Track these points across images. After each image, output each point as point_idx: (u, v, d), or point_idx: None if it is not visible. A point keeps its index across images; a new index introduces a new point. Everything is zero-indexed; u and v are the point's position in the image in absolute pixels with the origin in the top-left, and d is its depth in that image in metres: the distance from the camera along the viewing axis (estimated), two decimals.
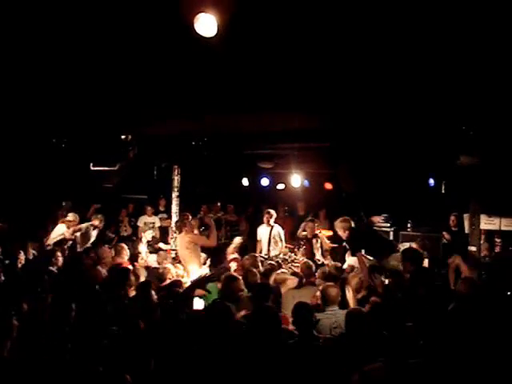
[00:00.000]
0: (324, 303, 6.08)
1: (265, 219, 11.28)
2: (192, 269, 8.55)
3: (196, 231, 9.67)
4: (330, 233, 10.75)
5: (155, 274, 7.96)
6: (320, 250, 10.42)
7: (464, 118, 7.70)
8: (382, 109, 7.79)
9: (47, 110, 8.41)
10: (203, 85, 7.26)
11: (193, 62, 6.58)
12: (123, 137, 9.64)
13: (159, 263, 9.17)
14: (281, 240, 11.24)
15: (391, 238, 11.02)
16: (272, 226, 11.25)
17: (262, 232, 11.34)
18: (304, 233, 10.85)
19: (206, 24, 5.25)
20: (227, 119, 8.47)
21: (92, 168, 10.14)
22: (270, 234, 11.19)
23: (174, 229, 10.98)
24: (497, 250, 10.07)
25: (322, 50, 6.17)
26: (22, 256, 8.56)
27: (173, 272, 7.98)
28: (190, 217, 9.69)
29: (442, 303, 5.87)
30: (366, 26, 5.65)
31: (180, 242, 9.23)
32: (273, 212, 11.33)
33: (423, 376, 3.92)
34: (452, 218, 10.94)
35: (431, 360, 4.03)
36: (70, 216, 10.56)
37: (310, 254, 10.28)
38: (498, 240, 10.13)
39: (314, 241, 10.47)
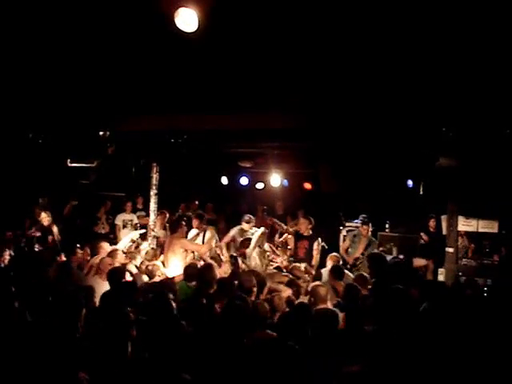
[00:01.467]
0: (315, 302, 6.09)
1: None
2: (171, 270, 8.34)
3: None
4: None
5: (143, 271, 7.86)
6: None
7: (443, 120, 7.73)
8: (362, 109, 7.80)
9: (24, 105, 8.30)
10: (183, 82, 7.21)
11: (173, 58, 6.53)
12: (101, 133, 9.54)
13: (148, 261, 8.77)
14: None
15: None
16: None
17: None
18: (291, 229, 10.85)
19: (187, 19, 5.21)
20: (206, 117, 8.43)
21: (69, 164, 10.03)
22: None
23: (152, 227, 10.88)
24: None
25: (302, 49, 6.16)
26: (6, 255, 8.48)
27: (162, 269, 7.91)
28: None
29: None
30: (346, 27, 5.65)
31: (169, 243, 9.01)
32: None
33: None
34: (431, 220, 11.03)
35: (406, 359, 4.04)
36: (43, 215, 10.44)
37: (305, 254, 10.19)
38: (486, 242, 10.20)
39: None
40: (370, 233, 10.59)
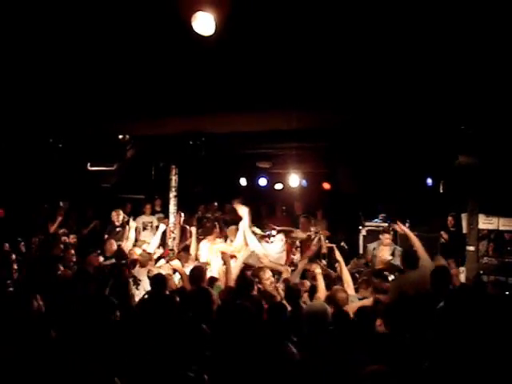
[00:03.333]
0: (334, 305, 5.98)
1: None
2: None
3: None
4: (328, 233, 10.66)
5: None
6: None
7: (463, 118, 7.69)
8: (381, 108, 7.78)
9: (44, 110, 8.38)
10: (201, 84, 7.24)
11: (191, 61, 6.56)
12: (121, 137, 9.62)
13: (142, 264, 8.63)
14: None
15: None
16: None
17: None
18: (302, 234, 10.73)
19: (204, 22, 5.24)
20: (225, 118, 8.45)
21: (89, 168, 10.12)
22: None
23: (171, 229, 10.94)
24: None
25: (320, 49, 6.15)
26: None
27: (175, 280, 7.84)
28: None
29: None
30: (362, 25, 5.64)
31: (204, 247, 8.87)
32: None
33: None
34: (450, 218, 10.94)
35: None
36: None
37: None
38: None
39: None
40: (391, 241, 10.01)
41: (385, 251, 9.93)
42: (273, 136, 9.46)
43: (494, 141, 7.78)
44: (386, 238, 10.05)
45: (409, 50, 6.07)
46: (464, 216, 10.03)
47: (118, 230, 11.28)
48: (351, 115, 8.05)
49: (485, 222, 9.79)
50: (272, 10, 5.39)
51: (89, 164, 10.03)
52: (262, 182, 13.39)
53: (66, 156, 10.11)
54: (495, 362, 4.30)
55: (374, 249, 10.16)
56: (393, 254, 9.83)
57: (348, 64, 6.51)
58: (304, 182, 13.00)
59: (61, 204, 11.81)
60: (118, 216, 11.27)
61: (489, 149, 7.91)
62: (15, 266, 7.85)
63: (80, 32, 6.06)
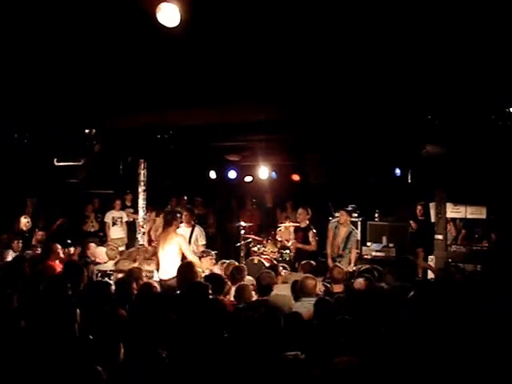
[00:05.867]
0: (301, 293, 6.18)
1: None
2: (165, 267, 8.00)
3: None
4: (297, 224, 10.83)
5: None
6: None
7: (429, 108, 7.75)
8: (348, 99, 7.80)
9: (8, 105, 8.23)
10: (167, 77, 7.18)
11: (156, 54, 6.49)
12: (87, 131, 9.48)
13: (111, 258, 8.57)
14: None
15: (359, 228, 11.07)
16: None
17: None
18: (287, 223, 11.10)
19: (169, 14, 5.18)
20: (192, 111, 8.40)
21: (56, 163, 9.96)
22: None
23: (141, 223, 10.87)
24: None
25: (286, 40, 6.14)
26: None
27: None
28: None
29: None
30: (330, 17, 5.64)
31: (163, 239, 8.34)
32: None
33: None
34: (418, 207, 11.05)
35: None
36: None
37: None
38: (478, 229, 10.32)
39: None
40: (349, 221, 10.32)
41: (342, 230, 10.21)
42: (242, 128, 9.43)
43: (459, 130, 7.85)
44: (342, 215, 10.26)
45: (375, 42, 6.10)
46: (432, 205, 10.14)
47: None
48: (319, 105, 8.06)
49: (453, 211, 9.93)
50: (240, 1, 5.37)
51: (55, 159, 9.86)
52: (232, 174, 13.36)
53: (32, 151, 9.94)
54: (464, 347, 4.36)
55: (336, 227, 10.31)
56: (348, 238, 10.13)
57: (315, 54, 6.51)
58: (274, 174, 13.01)
59: (28, 201, 11.64)
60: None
61: (455, 138, 7.99)
62: None
63: (43, 26, 5.95)
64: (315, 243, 10.38)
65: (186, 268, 7.04)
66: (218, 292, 6.29)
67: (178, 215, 8.97)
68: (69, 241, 9.77)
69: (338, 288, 6.97)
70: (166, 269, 7.96)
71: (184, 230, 9.65)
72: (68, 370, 3.68)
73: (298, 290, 6.28)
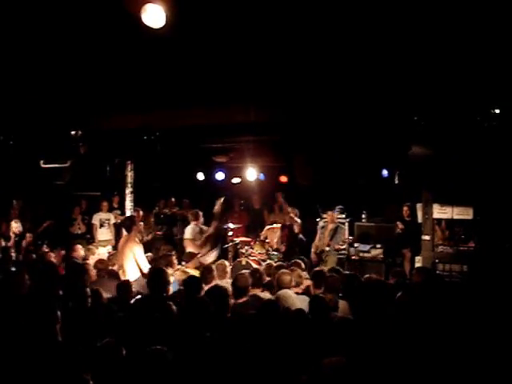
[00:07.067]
0: (278, 288, 6.41)
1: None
2: (129, 270, 7.84)
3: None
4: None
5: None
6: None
7: (415, 109, 7.79)
8: (335, 100, 7.82)
9: None
10: (154, 78, 7.16)
11: (142, 55, 6.48)
12: (73, 133, 9.43)
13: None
14: None
15: (346, 229, 11.08)
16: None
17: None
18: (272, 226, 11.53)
19: (154, 15, 5.16)
20: (179, 113, 8.38)
21: (42, 165, 9.91)
22: None
23: None
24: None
25: (274, 42, 6.14)
26: None
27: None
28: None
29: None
30: (316, 20, 5.65)
31: (124, 243, 8.15)
32: None
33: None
34: (405, 208, 11.09)
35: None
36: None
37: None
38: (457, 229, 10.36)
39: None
40: (336, 220, 10.99)
41: (329, 226, 10.97)
42: (229, 130, 9.43)
43: (445, 131, 7.89)
44: (329, 215, 11.06)
45: (362, 43, 6.11)
46: (419, 206, 10.17)
47: None
48: (305, 107, 8.07)
49: (439, 212, 9.94)
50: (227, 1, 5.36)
51: (42, 161, 9.81)
52: (220, 176, 13.35)
53: (18, 153, 9.87)
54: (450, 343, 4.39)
55: (323, 227, 11.09)
56: (335, 230, 10.86)
57: (303, 56, 6.52)
58: (261, 176, 13.01)
59: (14, 202, 11.56)
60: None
61: (441, 139, 8.03)
62: None
63: (28, 27, 5.92)
64: (299, 222, 11.19)
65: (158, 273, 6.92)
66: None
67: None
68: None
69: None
70: (129, 271, 7.85)
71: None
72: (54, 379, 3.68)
73: (275, 285, 6.57)
